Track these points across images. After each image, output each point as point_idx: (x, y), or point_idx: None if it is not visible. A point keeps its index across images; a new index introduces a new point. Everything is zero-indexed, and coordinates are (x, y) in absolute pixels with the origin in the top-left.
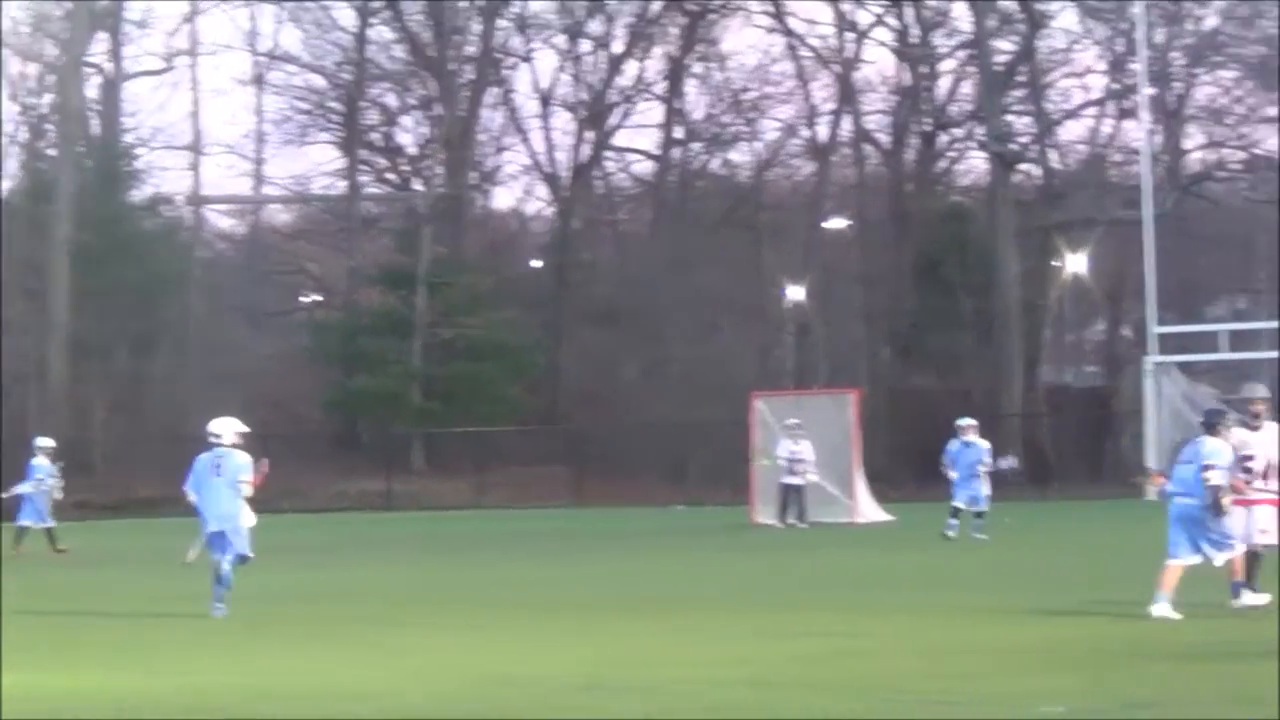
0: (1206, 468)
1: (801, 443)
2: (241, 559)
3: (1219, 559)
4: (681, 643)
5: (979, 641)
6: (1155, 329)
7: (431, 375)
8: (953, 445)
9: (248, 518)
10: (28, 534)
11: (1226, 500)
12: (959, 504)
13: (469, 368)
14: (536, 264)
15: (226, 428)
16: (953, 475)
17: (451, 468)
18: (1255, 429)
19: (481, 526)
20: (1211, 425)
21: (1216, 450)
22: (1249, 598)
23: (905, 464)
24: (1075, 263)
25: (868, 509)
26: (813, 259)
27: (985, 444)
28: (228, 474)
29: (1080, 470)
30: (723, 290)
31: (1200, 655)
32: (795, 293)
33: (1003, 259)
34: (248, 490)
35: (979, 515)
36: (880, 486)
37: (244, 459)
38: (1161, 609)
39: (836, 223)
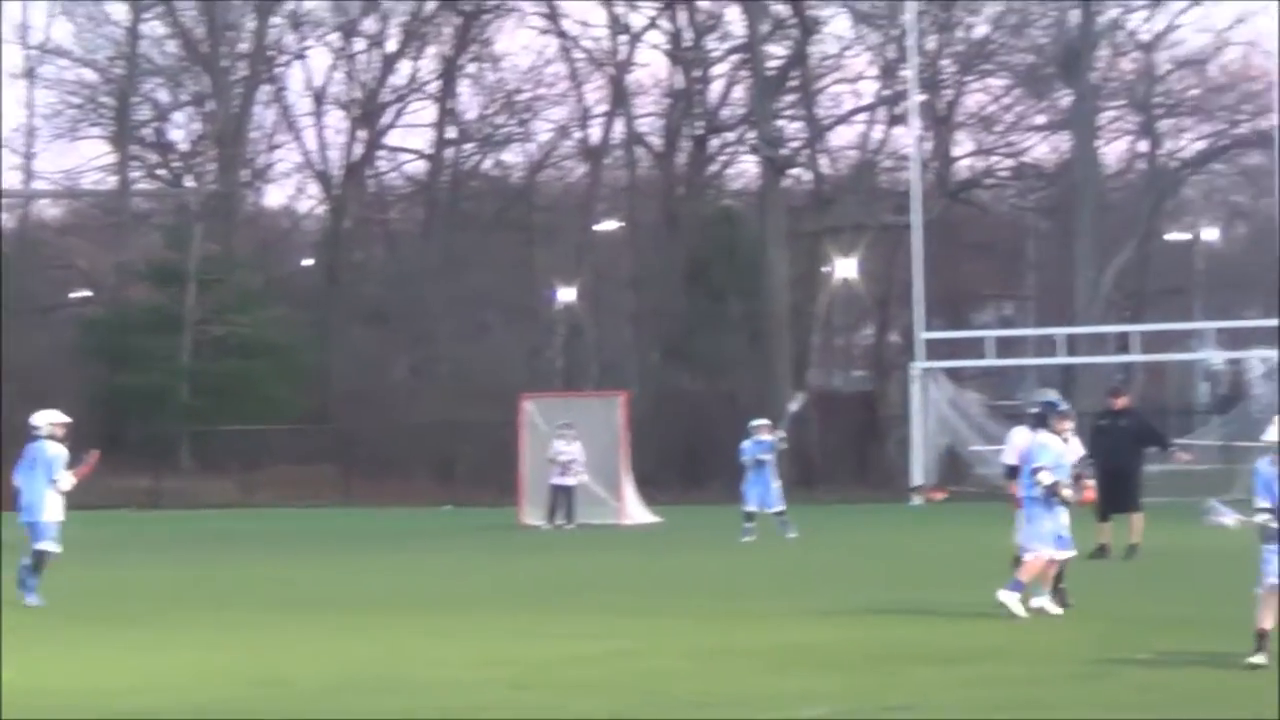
0: (1036, 470)
1: (573, 444)
2: (39, 554)
3: (1058, 555)
4: (444, 643)
5: (744, 644)
6: (922, 335)
7: (201, 372)
8: (746, 444)
9: (54, 511)
10: None
11: (1067, 492)
12: (751, 508)
13: (239, 365)
14: (308, 262)
15: (44, 419)
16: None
17: (220, 466)
18: (1064, 441)
19: (250, 525)
20: (1041, 419)
21: (1044, 447)
22: (1037, 600)
23: (673, 466)
24: (844, 268)
25: (635, 511)
26: (584, 261)
27: (780, 435)
28: (41, 465)
29: (847, 474)
30: (494, 291)
31: (962, 658)
32: (566, 294)
33: (772, 263)
34: (64, 484)
35: (780, 514)
36: (648, 489)
37: (57, 450)
38: (1039, 601)
39: (608, 225)
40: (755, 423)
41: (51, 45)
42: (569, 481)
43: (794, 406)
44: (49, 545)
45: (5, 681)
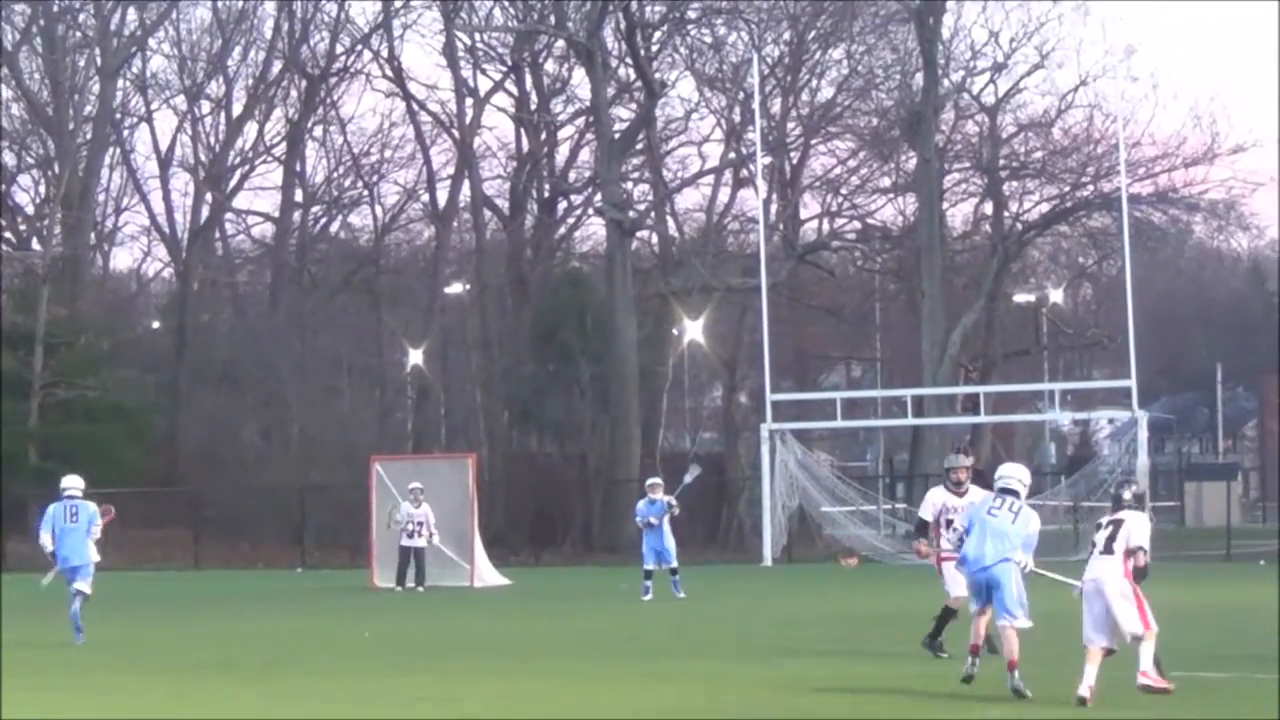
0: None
1: (422, 506)
2: (84, 596)
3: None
4: (287, 706)
5: (594, 705)
6: (771, 396)
7: (49, 436)
8: (641, 505)
9: (94, 555)
10: None
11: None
12: (649, 566)
13: (87, 429)
14: (155, 325)
15: (76, 483)
16: (649, 524)
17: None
18: (960, 494)
19: (99, 589)
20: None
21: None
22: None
23: (523, 528)
24: (693, 330)
25: (486, 573)
26: (432, 323)
27: (671, 500)
28: (82, 520)
29: (698, 535)
30: (343, 353)
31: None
32: (415, 356)
33: (621, 325)
34: (97, 534)
35: (674, 572)
36: (498, 550)
37: (93, 508)
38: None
39: (456, 288)
40: (650, 482)
41: None
42: (419, 543)
43: (688, 478)
44: (87, 586)
45: None
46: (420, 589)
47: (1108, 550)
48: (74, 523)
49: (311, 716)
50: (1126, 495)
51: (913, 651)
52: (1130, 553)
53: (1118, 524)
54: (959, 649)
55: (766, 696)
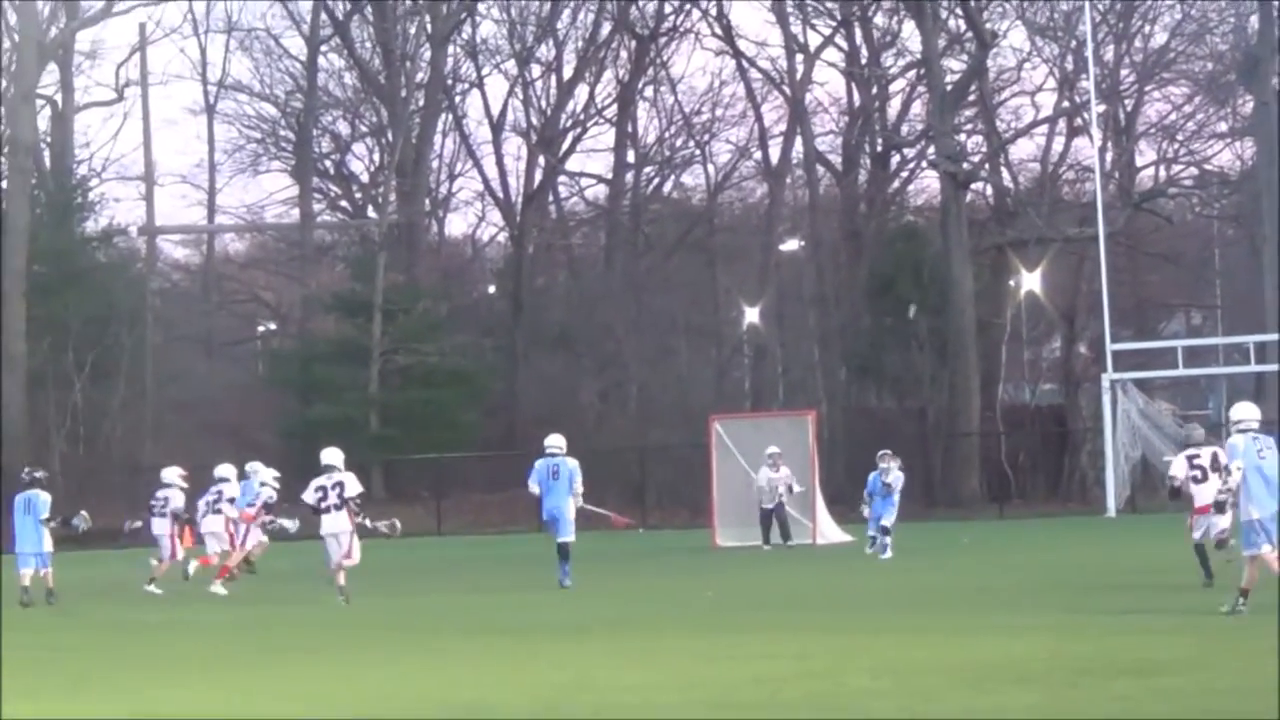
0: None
1: (781, 469)
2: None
3: None
4: (637, 665)
5: (939, 660)
6: (1111, 346)
7: (388, 402)
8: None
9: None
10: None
11: None
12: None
13: (426, 394)
14: (491, 290)
15: (558, 441)
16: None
17: (411, 494)
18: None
19: (443, 553)
20: None
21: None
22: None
23: (863, 484)
24: (1030, 281)
25: (827, 529)
26: (767, 281)
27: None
28: (563, 478)
29: (1039, 488)
30: (678, 313)
31: (1160, 670)
32: (751, 315)
33: (957, 278)
34: (580, 492)
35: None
36: (839, 507)
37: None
38: None
39: (790, 244)
40: (885, 452)
41: (230, 81)
42: (776, 504)
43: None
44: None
45: (209, 712)
46: (789, 543)
47: None
48: (555, 480)
49: (663, 674)
50: None
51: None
52: None
53: None
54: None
55: (1115, 645)
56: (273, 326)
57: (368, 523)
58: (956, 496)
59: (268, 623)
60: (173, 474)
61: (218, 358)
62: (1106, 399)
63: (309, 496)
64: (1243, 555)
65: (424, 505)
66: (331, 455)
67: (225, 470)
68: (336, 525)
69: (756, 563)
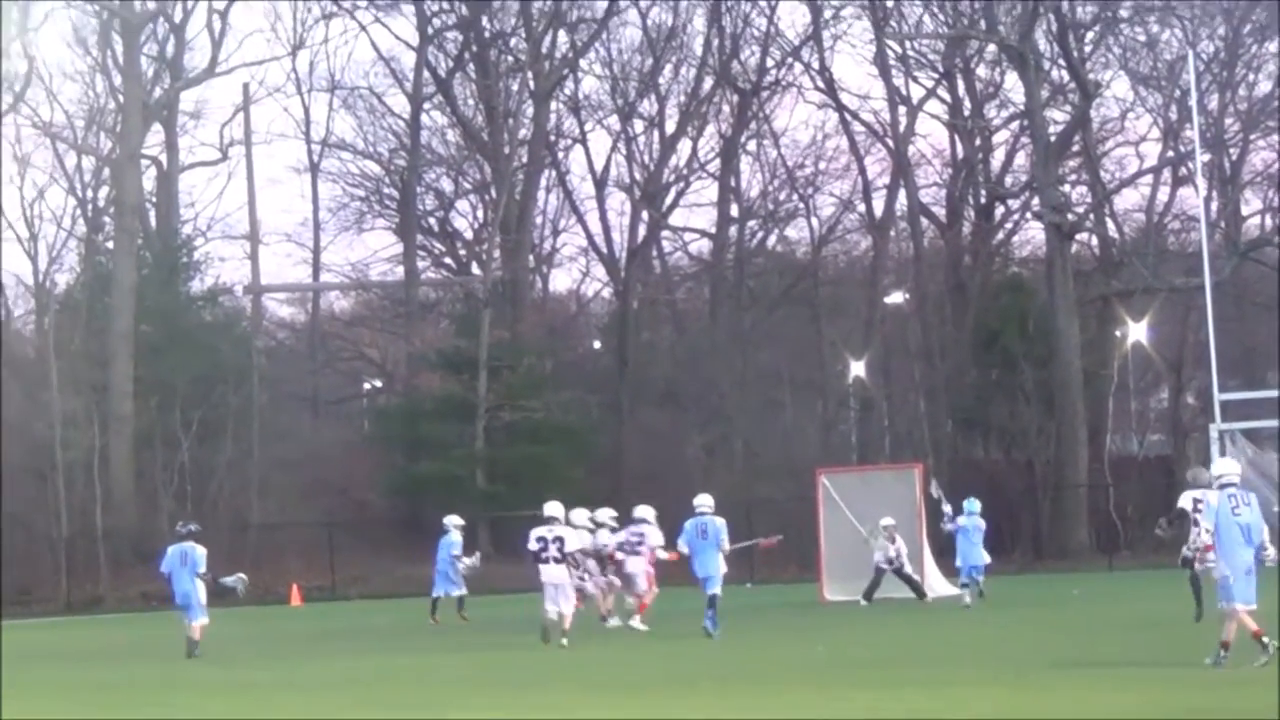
0: None
1: (897, 541)
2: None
3: None
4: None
5: (1052, 713)
6: (1219, 395)
7: (494, 459)
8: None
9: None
10: (438, 604)
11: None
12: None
13: (531, 450)
14: (596, 345)
15: (707, 501)
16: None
17: (517, 551)
18: None
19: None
20: None
21: None
22: None
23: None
24: (1136, 331)
25: (937, 583)
26: (872, 334)
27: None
28: (711, 536)
29: (1148, 539)
30: (783, 367)
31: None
32: (856, 368)
33: (1063, 329)
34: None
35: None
36: (947, 560)
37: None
38: None
39: (895, 297)
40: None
41: (334, 139)
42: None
43: (935, 492)
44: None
45: None
46: (925, 600)
47: None
48: (704, 538)
49: None
50: None
51: None
52: None
53: None
54: None
55: (1228, 696)
56: (378, 384)
57: (586, 578)
58: (1064, 549)
59: (356, 679)
60: (605, 515)
61: (323, 415)
62: (1215, 449)
63: (530, 545)
64: (1221, 609)
65: (530, 561)
66: (553, 508)
67: (644, 512)
68: (556, 575)
69: (865, 616)
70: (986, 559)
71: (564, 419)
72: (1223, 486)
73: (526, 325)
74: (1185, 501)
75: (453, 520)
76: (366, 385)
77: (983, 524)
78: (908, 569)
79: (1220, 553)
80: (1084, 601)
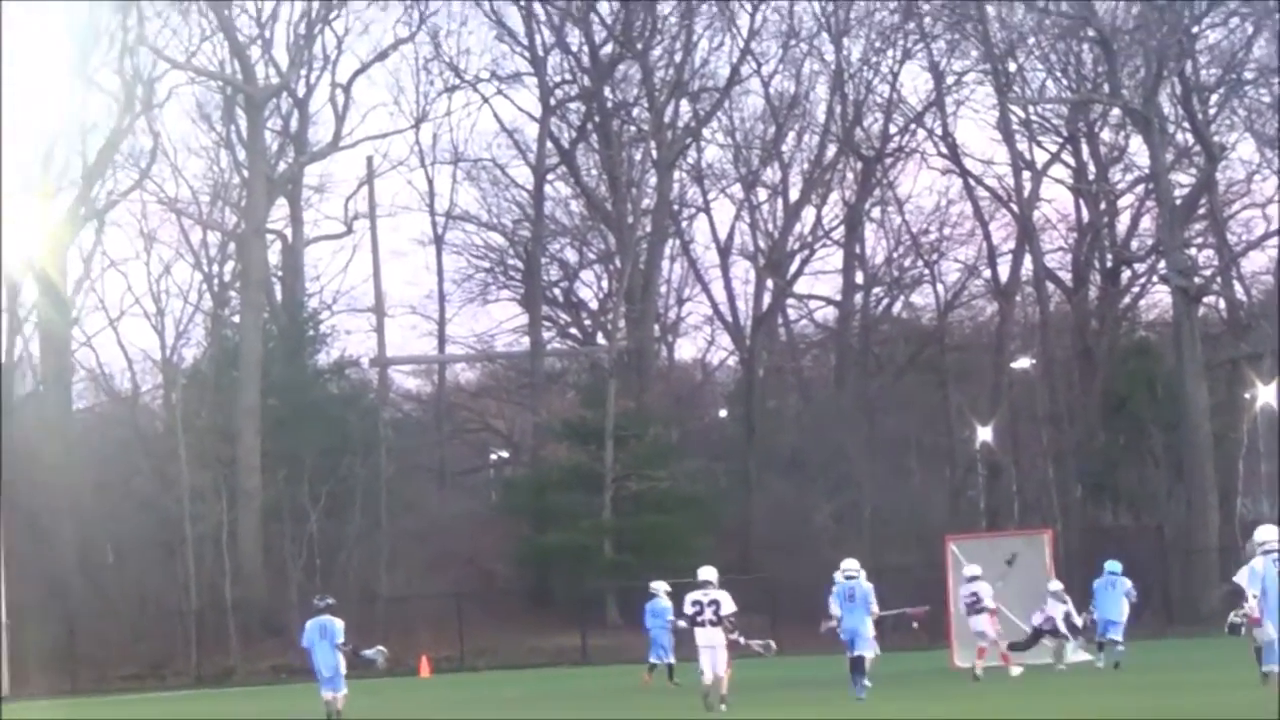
0: None
1: (1068, 601)
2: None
3: None
4: None
5: None
6: None
7: (622, 528)
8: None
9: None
10: (655, 669)
11: None
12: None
13: (659, 520)
14: (722, 413)
15: (852, 565)
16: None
17: (638, 620)
18: None
19: (679, 679)
20: None
21: None
22: None
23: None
24: (1266, 394)
25: (1069, 650)
26: (1000, 399)
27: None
28: (858, 599)
29: None
30: (911, 433)
31: None
32: (984, 434)
33: (1191, 393)
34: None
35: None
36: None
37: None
38: None
39: (1022, 362)
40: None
41: (458, 211)
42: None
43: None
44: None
45: None
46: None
47: None
48: (852, 602)
49: None
50: None
51: None
52: None
53: None
54: None
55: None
56: (505, 455)
57: (741, 640)
58: (1196, 614)
59: None
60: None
61: (451, 487)
62: None
63: (686, 609)
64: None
65: None
66: (707, 573)
67: (975, 570)
68: (712, 639)
69: (993, 686)
70: (1125, 614)
71: (690, 488)
72: (1266, 552)
73: (652, 395)
74: (1241, 578)
75: (660, 586)
76: (493, 456)
77: (1126, 582)
78: (1062, 630)
79: (1267, 615)
80: (1215, 666)
